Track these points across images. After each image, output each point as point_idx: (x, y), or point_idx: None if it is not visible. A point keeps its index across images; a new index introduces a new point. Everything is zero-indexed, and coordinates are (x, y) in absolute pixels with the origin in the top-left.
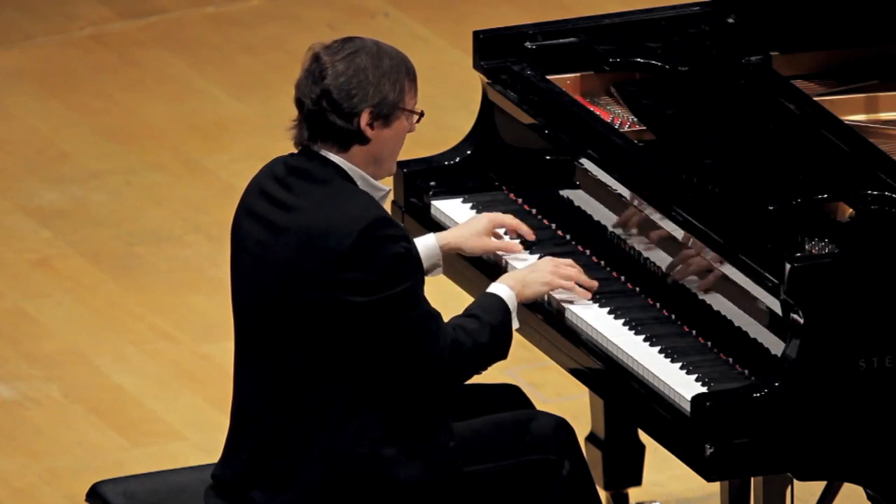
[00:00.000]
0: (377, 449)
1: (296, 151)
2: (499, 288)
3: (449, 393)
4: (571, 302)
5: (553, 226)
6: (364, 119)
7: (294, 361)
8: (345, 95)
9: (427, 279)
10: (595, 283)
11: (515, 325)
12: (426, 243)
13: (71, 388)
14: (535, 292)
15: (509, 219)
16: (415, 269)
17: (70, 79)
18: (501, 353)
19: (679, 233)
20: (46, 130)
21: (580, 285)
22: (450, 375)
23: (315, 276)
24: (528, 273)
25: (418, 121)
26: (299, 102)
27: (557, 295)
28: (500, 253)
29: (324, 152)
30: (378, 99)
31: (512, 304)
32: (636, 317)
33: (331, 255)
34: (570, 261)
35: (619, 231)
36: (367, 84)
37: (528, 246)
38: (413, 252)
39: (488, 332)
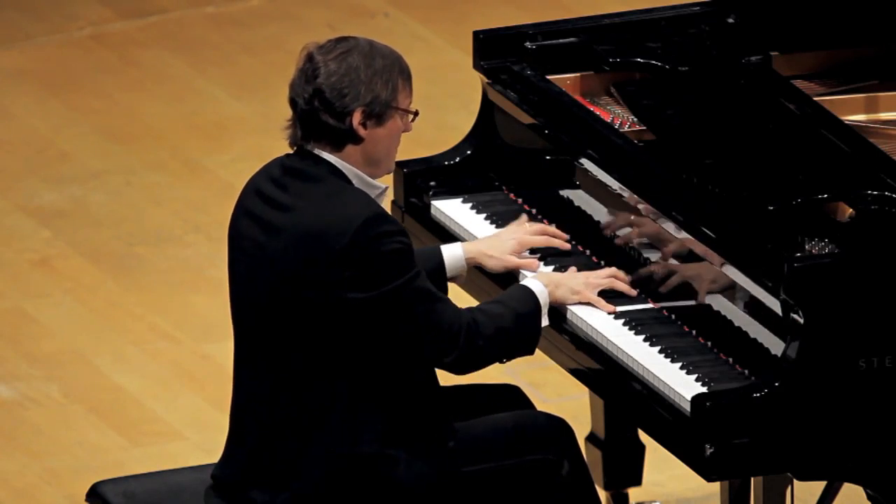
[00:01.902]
0: (377, 449)
1: (291, 152)
2: (532, 283)
3: (471, 372)
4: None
5: (553, 226)
6: (356, 118)
7: (294, 361)
8: (337, 94)
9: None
10: (633, 292)
11: (545, 322)
12: (453, 253)
13: (71, 388)
14: (563, 296)
15: (540, 240)
16: (414, 262)
17: (70, 79)
18: (526, 344)
19: (679, 233)
20: (46, 130)
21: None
22: (468, 357)
23: (312, 276)
24: (563, 277)
25: (413, 120)
26: (293, 102)
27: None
28: (520, 270)
29: (318, 151)
30: (370, 98)
31: (543, 299)
32: (636, 317)
33: (328, 253)
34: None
35: (618, 231)
36: (358, 83)
37: (544, 258)
38: (411, 246)
39: (512, 317)
